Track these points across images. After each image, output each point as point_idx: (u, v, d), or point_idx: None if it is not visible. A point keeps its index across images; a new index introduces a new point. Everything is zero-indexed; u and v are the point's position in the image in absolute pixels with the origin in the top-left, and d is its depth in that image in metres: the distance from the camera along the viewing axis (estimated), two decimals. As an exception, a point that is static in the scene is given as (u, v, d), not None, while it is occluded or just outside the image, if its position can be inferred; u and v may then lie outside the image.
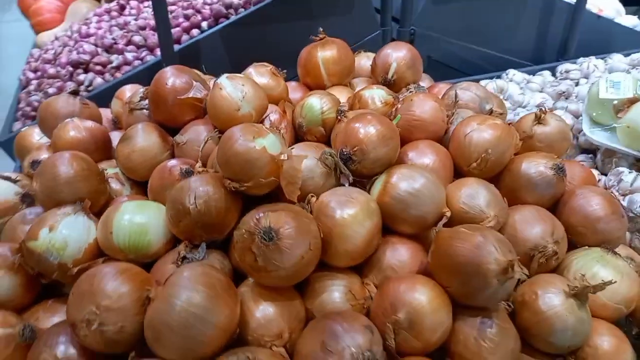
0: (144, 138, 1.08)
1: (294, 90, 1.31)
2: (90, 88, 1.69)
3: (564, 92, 1.69)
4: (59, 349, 0.77)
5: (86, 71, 1.76)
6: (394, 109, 1.12)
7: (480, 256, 0.74)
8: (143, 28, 1.84)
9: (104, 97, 1.48)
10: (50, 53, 2.00)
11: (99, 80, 1.68)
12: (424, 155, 1.00)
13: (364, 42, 1.90)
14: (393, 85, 1.28)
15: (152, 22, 1.84)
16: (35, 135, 1.31)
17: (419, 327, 0.75)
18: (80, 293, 0.75)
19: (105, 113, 1.37)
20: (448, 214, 0.88)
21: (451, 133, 1.06)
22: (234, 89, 1.03)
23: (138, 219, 0.89)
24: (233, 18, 1.71)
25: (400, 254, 0.87)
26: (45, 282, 0.91)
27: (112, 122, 1.35)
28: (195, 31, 1.75)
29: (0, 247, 0.93)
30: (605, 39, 2.23)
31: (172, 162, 1.02)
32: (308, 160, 0.91)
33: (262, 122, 1.09)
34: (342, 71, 1.31)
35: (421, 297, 0.76)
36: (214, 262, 0.86)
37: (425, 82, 1.56)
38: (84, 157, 1.02)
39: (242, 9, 1.75)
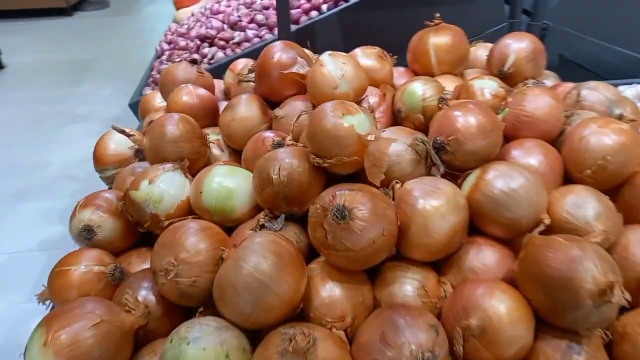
0: (246, 108, 1.12)
1: (401, 76, 1.27)
2: (212, 61, 1.79)
3: None
4: (140, 293, 0.83)
5: (211, 45, 1.88)
6: (503, 103, 1.03)
7: (573, 270, 0.65)
8: (267, 8, 1.91)
9: (222, 70, 1.56)
10: (184, 27, 2.16)
11: (220, 54, 1.78)
12: (530, 155, 0.91)
13: (487, 34, 1.78)
14: (509, 78, 1.18)
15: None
16: (157, 99, 1.43)
17: (493, 337, 0.69)
18: (163, 243, 0.80)
19: (219, 84, 1.44)
20: (547, 221, 0.79)
21: (566, 134, 0.95)
22: (334, 66, 1.02)
23: (226, 183, 0.93)
24: (351, 1, 1.70)
25: (485, 256, 0.80)
26: (142, 231, 0.98)
27: (223, 92, 1.42)
28: (314, 13, 1.77)
29: (109, 193, 1.03)
30: None
31: (267, 133, 1.05)
32: (397, 144, 0.87)
33: (359, 102, 1.07)
34: (453, 60, 1.23)
35: (499, 305, 0.69)
36: (290, 234, 0.86)
37: (550, 80, 1.42)
38: (191, 120, 1.08)
39: (361, -7, 1.73)
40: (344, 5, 1.71)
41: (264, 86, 1.15)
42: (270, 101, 1.17)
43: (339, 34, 1.72)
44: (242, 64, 1.37)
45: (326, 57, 1.03)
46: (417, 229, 0.77)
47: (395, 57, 1.43)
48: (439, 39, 1.23)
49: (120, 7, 6.64)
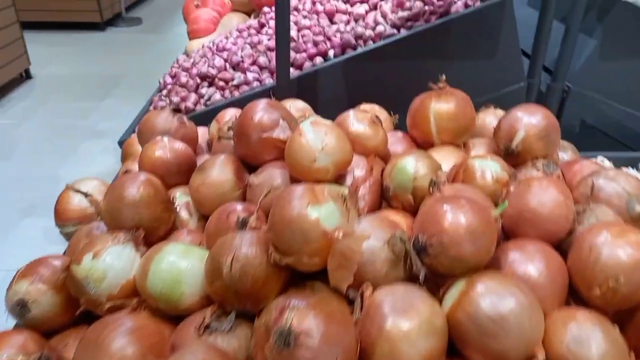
0: (219, 172, 1.02)
1: (397, 142, 1.15)
2: (209, 102, 1.71)
3: None
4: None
5: (211, 85, 1.80)
6: (504, 192, 0.90)
7: None
8: (272, 49, 1.83)
9: (216, 113, 1.48)
10: (189, 62, 2.09)
11: (217, 96, 1.70)
12: (530, 262, 0.77)
13: (503, 93, 1.65)
14: (517, 156, 1.05)
15: (282, 45, 1.81)
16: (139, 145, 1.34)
17: None
18: (86, 344, 0.69)
19: (206, 133, 1.35)
20: (541, 357, 0.65)
21: (575, 237, 0.82)
22: (314, 136, 0.90)
23: (177, 266, 0.81)
24: (359, 50, 1.60)
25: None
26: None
27: (207, 143, 1.32)
28: (319, 59, 1.68)
29: (56, 259, 0.92)
30: None
31: (235, 205, 0.94)
32: (373, 240, 0.75)
33: (343, 177, 0.95)
34: (456, 129, 1.11)
35: None
36: (239, 337, 0.74)
37: (567, 152, 1.29)
38: (155, 183, 0.98)
39: (372, 42, 1.63)
40: (351, 53, 1.62)
41: (242, 148, 1.05)
42: (249, 164, 1.06)
43: (343, 84, 1.62)
44: (230, 115, 1.27)
45: (307, 125, 0.92)
46: (380, 356, 0.64)
47: (396, 115, 1.32)
48: (441, 106, 1.11)
49: (152, 25, 6.75)
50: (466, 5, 1.59)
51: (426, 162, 0.95)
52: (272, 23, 2.09)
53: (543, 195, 0.83)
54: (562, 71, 1.61)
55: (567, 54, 1.58)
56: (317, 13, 2.00)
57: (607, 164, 1.32)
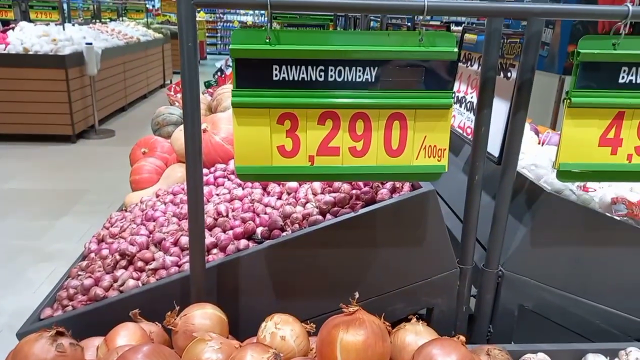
0: None
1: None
2: (121, 288, 1.57)
3: None
4: None
5: (129, 264, 1.67)
6: None
7: None
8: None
9: (127, 307, 1.34)
10: (117, 227, 1.99)
11: (131, 282, 1.56)
12: None
13: (437, 279, 1.58)
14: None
15: (210, 220, 1.74)
16: None
17: None
18: None
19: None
20: None
21: None
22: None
23: None
24: (282, 237, 1.53)
25: None
26: None
27: None
28: (243, 242, 1.59)
29: None
30: None
31: None
32: None
33: None
34: (365, 365, 1.00)
35: None
36: None
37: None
38: None
39: (297, 226, 1.57)
40: (273, 241, 1.54)
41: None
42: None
43: (266, 273, 1.52)
44: (122, 337, 1.13)
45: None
46: None
47: (312, 325, 1.22)
48: (348, 337, 1.01)
49: (124, 137, 6.81)
50: (392, 192, 1.57)
51: None
52: (210, 188, 2.04)
53: None
54: (494, 256, 1.56)
55: (496, 240, 1.54)
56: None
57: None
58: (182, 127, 1.37)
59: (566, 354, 1.46)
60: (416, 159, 1.32)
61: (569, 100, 1.29)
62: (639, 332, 1.65)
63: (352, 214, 1.50)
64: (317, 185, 1.74)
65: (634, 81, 1.29)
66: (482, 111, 1.42)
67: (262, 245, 1.52)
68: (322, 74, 1.23)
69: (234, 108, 1.24)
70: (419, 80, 1.26)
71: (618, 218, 1.59)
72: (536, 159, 1.91)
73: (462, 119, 1.92)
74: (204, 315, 1.21)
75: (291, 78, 1.23)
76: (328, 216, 1.56)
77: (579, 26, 5.14)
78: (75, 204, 4.40)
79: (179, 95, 3.56)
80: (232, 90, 1.22)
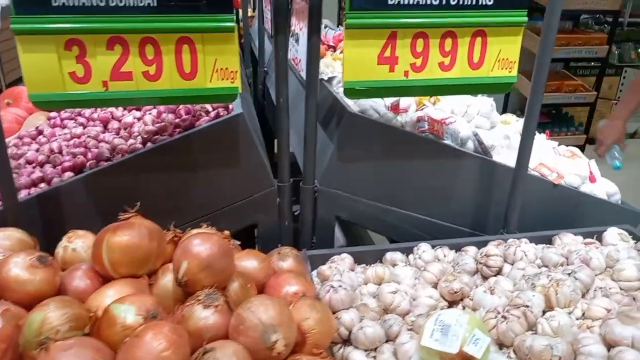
0: None
1: (78, 279, 1.13)
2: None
3: (456, 292, 1.39)
4: None
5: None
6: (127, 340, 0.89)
7: None
8: (31, 162, 1.78)
9: None
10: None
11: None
12: None
13: (258, 197, 1.71)
14: (187, 287, 1.07)
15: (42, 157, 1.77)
16: None
17: None
18: None
19: None
20: None
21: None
22: None
23: None
24: (102, 166, 1.60)
25: None
26: None
27: None
28: (67, 174, 1.65)
29: None
30: (570, 212, 1.93)
31: None
32: None
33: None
34: (130, 262, 1.11)
35: None
36: None
37: (287, 262, 1.35)
38: None
39: (121, 156, 1.64)
40: (90, 170, 1.60)
41: None
42: None
43: (90, 202, 1.59)
44: None
45: None
46: None
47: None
48: (114, 239, 1.11)
49: None
50: (216, 117, 1.67)
51: (59, 313, 0.93)
52: (53, 130, 2.06)
53: (141, 350, 0.83)
54: (309, 173, 1.71)
55: (309, 158, 1.68)
56: (94, 120, 2.00)
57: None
58: None
59: (370, 254, 1.66)
60: (210, 81, 1.42)
61: (346, 22, 1.42)
62: (443, 233, 1.88)
63: (167, 140, 1.59)
64: (148, 118, 1.80)
65: (402, 2, 1.43)
66: (277, 36, 1.52)
67: (82, 174, 1.58)
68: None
69: (17, 35, 1.27)
70: (201, 3, 1.33)
71: (419, 134, 1.78)
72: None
73: (293, 51, 2.03)
74: (3, 237, 1.28)
75: (71, 3, 1.26)
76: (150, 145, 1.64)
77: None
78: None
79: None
80: (11, 17, 1.24)
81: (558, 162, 2.03)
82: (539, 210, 1.92)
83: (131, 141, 1.69)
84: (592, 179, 2.05)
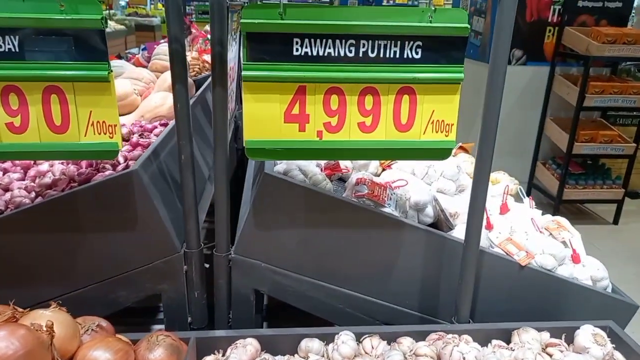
0: None
1: None
2: None
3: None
4: None
5: None
6: None
7: None
8: None
9: None
10: None
11: None
12: None
13: (159, 264, 1.50)
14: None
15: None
16: None
17: None
18: None
19: None
20: None
21: None
22: None
23: None
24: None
25: None
26: None
27: None
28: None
29: None
30: (541, 300, 1.63)
31: None
32: None
33: None
34: None
35: None
36: None
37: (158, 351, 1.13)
38: None
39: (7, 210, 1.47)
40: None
41: None
42: None
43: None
44: None
45: None
46: None
47: None
48: None
49: None
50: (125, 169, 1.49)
51: None
52: None
53: None
54: (221, 239, 1.49)
55: (220, 222, 1.47)
56: (15, 165, 1.86)
57: None
58: None
59: (283, 340, 1.41)
60: (84, 135, 1.24)
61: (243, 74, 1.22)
62: (385, 315, 1.61)
63: (55, 195, 1.41)
64: (57, 168, 1.64)
65: (309, 53, 1.22)
66: (175, 87, 1.34)
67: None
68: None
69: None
70: (70, 50, 1.17)
71: (353, 200, 1.53)
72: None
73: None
74: None
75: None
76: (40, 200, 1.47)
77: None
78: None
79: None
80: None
81: (532, 237, 1.71)
82: (504, 297, 1.62)
83: (23, 194, 1.52)
84: (575, 259, 1.73)
